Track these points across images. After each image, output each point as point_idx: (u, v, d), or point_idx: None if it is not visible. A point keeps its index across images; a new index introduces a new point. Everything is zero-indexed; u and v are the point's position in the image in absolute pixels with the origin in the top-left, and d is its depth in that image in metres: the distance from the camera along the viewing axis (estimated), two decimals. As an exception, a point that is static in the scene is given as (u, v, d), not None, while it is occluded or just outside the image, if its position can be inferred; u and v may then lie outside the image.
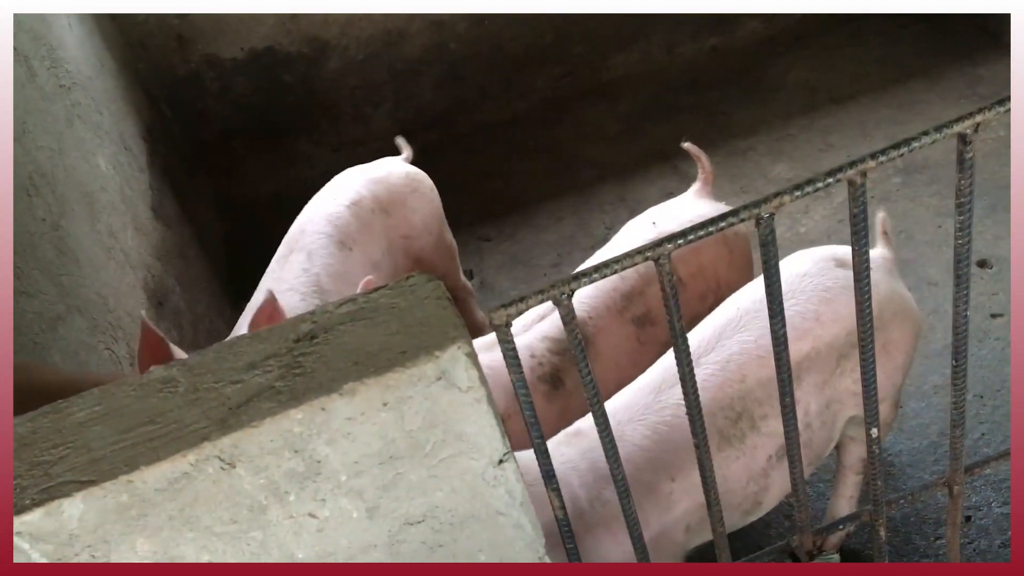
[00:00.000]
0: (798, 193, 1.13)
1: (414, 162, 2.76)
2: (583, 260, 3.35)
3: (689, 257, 2.10)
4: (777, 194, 1.14)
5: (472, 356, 1.05)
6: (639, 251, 1.13)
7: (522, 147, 3.95)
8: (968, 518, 2.28)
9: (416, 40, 3.83)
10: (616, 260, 1.13)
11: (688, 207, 2.18)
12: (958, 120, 1.14)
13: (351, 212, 2.51)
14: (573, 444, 1.69)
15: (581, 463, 1.62)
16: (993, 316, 2.73)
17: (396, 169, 2.69)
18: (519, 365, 1.16)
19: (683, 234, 1.14)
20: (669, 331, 1.22)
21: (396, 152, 2.80)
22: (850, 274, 1.82)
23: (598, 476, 1.63)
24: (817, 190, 1.13)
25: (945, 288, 2.85)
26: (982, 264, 2.91)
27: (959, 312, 1.32)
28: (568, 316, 1.15)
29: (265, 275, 2.50)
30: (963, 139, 1.15)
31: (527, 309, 1.11)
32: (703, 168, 2.22)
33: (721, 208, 2.17)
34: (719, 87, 3.99)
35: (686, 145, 2.23)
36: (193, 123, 3.74)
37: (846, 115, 3.65)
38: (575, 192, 3.66)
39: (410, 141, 3.95)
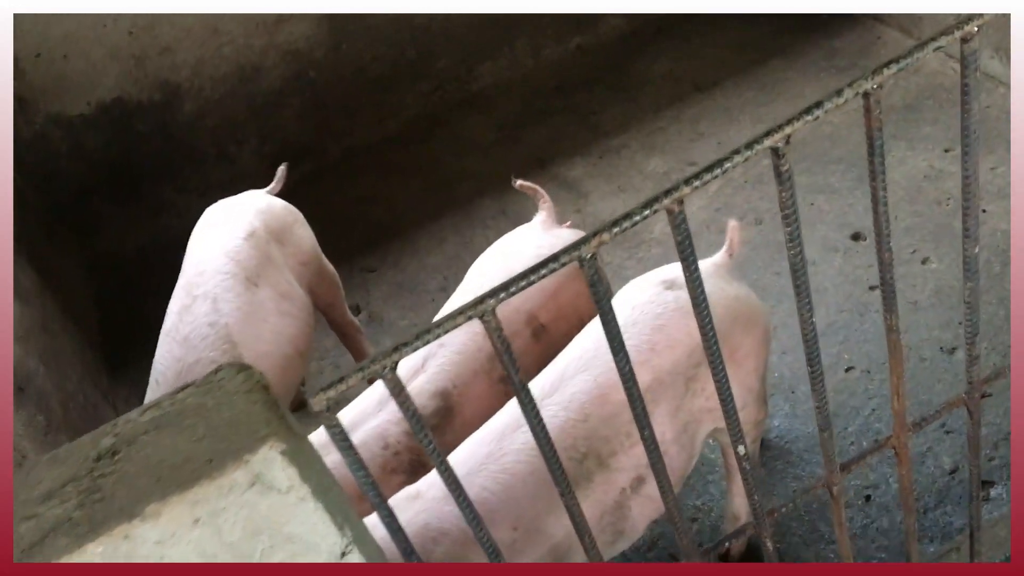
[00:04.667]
0: (616, 229, 1.08)
1: (288, 195, 2.64)
2: (468, 281, 3.30)
3: (548, 302, 2.02)
4: (596, 232, 1.09)
5: (289, 453, 0.98)
6: (461, 311, 1.07)
7: (397, 167, 3.87)
8: (867, 497, 2.29)
9: (273, 73, 3.71)
10: (438, 324, 1.07)
11: (534, 239, 2.12)
12: (768, 134, 1.10)
13: (250, 245, 2.35)
14: (408, 508, 1.62)
15: (410, 527, 1.54)
16: (871, 288, 2.76)
17: (274, 199, 2.58)
18: (351, 447, 1.09)
19: (505, 287, 1.08)
20: (514, 384, 1.16)
21: (262, 188, 2.67)
22: (680, 294, 1.77)
23: (426, 538, 1.57)
24: (635, 224, 1.09)
25: (822, 266, 2.88)
26: (856, 237, 2.94)
27: (805, 320, 1.30)
28: (396, 389, 1.08)
29: (163, 334, 2.32)
30: (776, 152, 1.12)
31: (348, 388, 1.04)
32: (542, 199, 2.17)
33: (565, 234, 2.12)
34: (587, 87, 3.97)
35: (517, 184, 2.18)
36: (46, 186, 3.55)
37: (712, 102, 3.67)
38: (456, 208, 3.59)
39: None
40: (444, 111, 4.03)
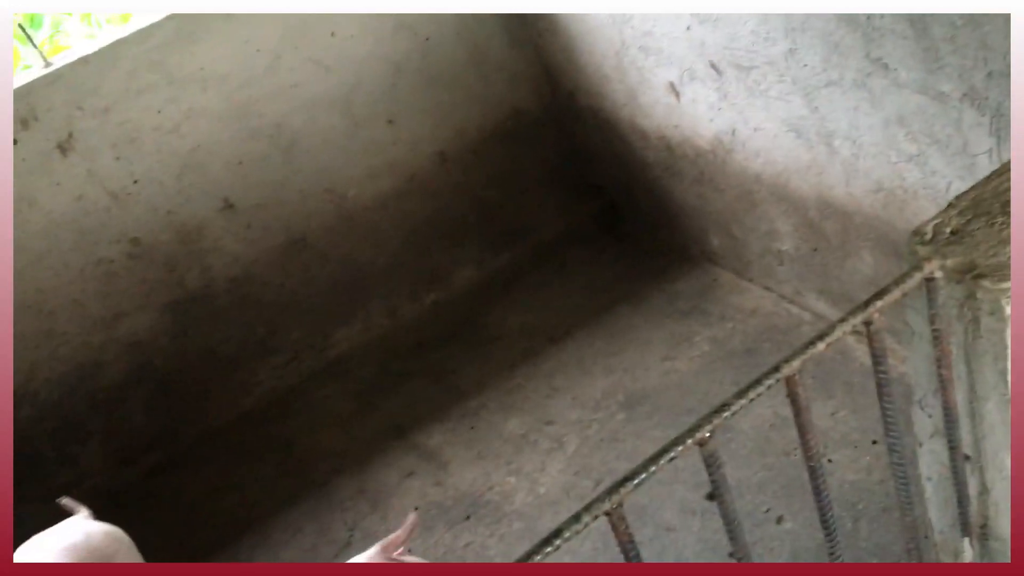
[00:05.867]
0: None
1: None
2: (322, 581, 3.12)
3: None
4: None
5: None
6: None
7: (252, 450, 3.73)
8: None
9: (114, 367, 3.59)
10: None
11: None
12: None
13: None
14: None
15: None
16: (731, 555, 2.69)
17: (91, 528, 2.40)
18: None
19: None
20: None
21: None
22: None
23: None
24: None
25: (681, 532, 2.82)
26: (711, 497, 2.91)
27: None
28: None
29: None
30: None
31: None
32: (400, 536, 2.04)
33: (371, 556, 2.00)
34: (443, 346, 3.97)
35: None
36: None
37: (565, 354, 3.70)
38: (312, 492, 3.45)
39: (129, 468, 3.63)
40: (299, 384, 3.95)
